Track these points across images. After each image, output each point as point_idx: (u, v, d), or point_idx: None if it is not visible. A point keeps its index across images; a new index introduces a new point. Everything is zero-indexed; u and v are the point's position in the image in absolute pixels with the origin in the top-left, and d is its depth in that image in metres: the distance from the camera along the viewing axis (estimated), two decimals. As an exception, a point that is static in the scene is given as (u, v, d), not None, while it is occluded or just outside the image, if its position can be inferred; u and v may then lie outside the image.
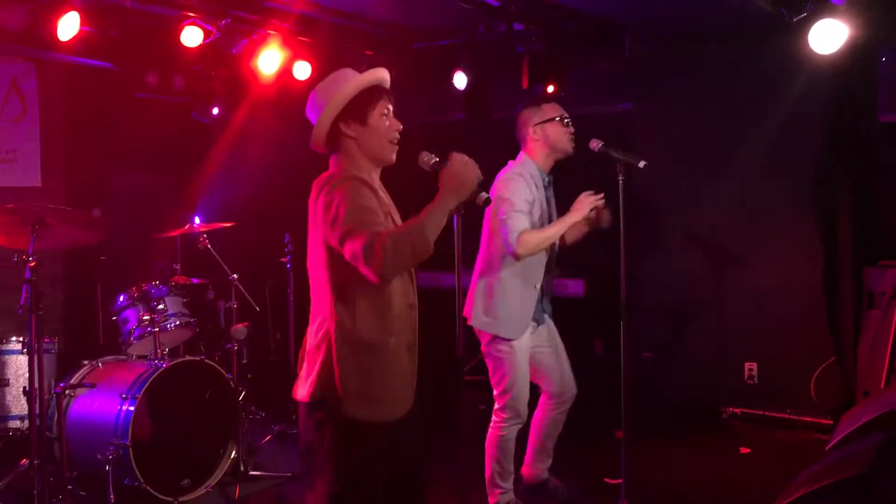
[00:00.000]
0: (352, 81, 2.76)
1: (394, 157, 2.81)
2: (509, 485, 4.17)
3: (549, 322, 4.26)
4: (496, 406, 4.12)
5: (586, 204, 3.94)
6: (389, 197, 2.91)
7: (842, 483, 1.70)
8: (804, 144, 5.82)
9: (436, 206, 2.59)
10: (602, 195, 3.96)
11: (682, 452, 5.48)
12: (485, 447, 4.15)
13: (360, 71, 2.89)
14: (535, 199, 4.01)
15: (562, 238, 4.17)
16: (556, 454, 4.44)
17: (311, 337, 2.76)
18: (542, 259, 4.08)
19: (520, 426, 4.13)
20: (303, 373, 2.78)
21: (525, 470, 4.39)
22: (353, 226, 2.52)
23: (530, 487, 4.39)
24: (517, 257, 3.92)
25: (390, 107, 2.80)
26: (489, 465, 4.14)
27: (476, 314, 4.09)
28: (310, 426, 2.69)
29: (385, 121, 2.77)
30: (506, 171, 4.10)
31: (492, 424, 4.13)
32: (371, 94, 2.77)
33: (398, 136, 2.80)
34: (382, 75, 2.84)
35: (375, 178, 2.82)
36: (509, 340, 4.03)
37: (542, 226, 4.04)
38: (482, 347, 4.13)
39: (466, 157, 2.66)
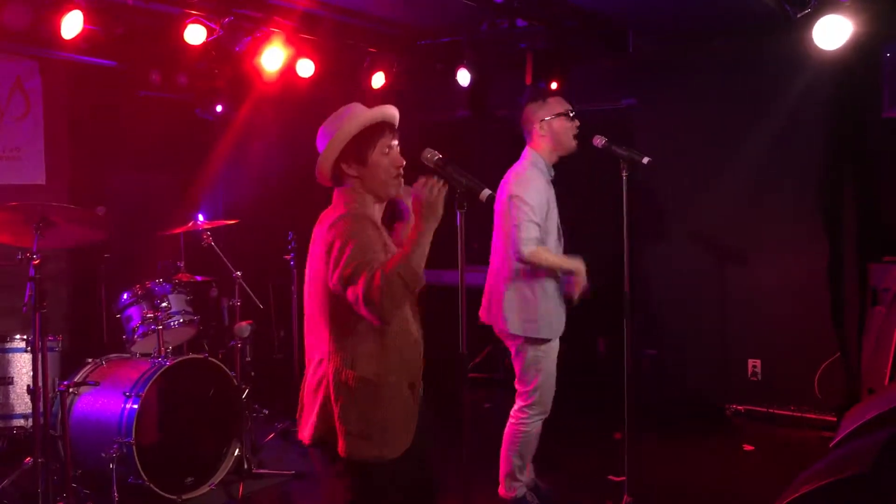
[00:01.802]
0: (353, 120, 2.73)
1: (398, 190, 2.80)
2: (525, 479, 4.19)
3: None
4: (521, 403, 4.12)
5: (583, 269, 3.93)
6: (387, 232, 2.89)
7: (846, 480, 1.69)
8: (808, 140, 5.81)
9: (415, 237, 2.57)
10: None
11: (685, 449, 5.47)
12: (503, 442, 4.15)
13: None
14: (548, 197, 4.01)
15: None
16: (559, 453, 4.43)
17: (310, 377, 2.74)
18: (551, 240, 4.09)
19: (544, 418, 4.13)
20: (303, 414, 2.77)
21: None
22: (354, 269, 2.51)
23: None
24: (523, 262, 3.93)
25: (393, 143, 2.77)
26: (509, 460, 4.15)
27: (511, 321, 4.05)
28: (331, 474, 2.72)
29: (386, 159, 2.75)
30: (519, 167, 4.09)
31: (514, 420, 4.13)
32: (372, 133, 2.74)
33: (401, 171, 2.78)
34: (385, 112, 2.80)
35: (378, 213, 2.82)
36: (546, 342, 4.03)
37: (555, 224, 4.07)
38: (512, 348, 4.12)
39: (432, 181, 2.62)
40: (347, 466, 2.65)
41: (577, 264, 3.95)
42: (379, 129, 2.75)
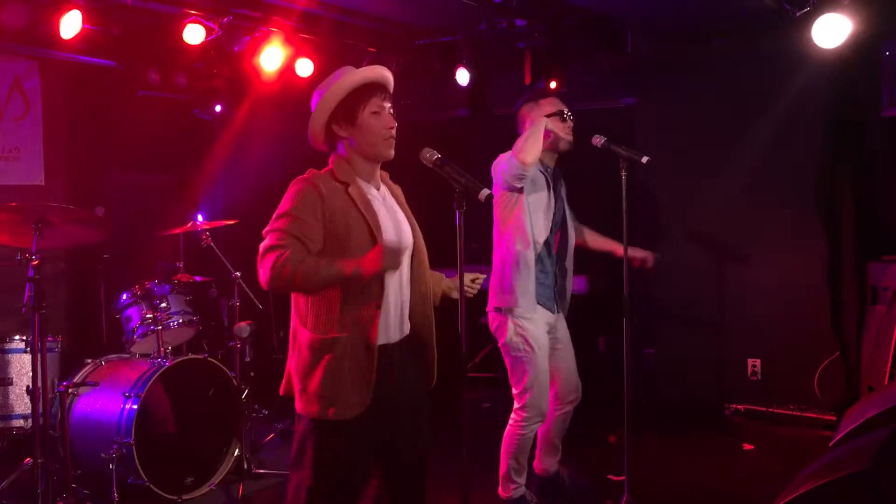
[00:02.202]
0: (342, 81, 2.76)
1: (391, 152, 2.80)
2: (523, 479, 4.19)
3: (564, 324, 4.27)
4: (516, 405, 4.11)
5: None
6: (395, 197, 2.90)
7: (846, 479, 1.69)
8: (807, 139, 5.81)
9: (341, 269, 2.58)
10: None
11: (685, 449, 5.47)
12: (502, 443, 4.15)
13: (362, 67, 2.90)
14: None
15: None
16: (561, 451, 4.44)
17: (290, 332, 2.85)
18: (548, 244, 4.10)
19: (540, 423, 4.12)
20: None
21: (535, 464, 4.41)
22: (273, 227, 2.64)
23: (542, 481, 4.40)
24: (525, 166, 3.84)
25: (385, 104, 2.79)
26: (505, 461, 4.15)
27: (491, 298, 4.11)
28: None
29: (376, 119, 2.76)
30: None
31: (511, 422, 4.12)
32: (362, 93, 2.76)
33: (392, 132, 2.79)
34: (374, 73, 2.82)
35: (374, 178, 2.83)
36: (530, 331, 4.01)
37: (546, 216, 4.07)
38: (500, 345, 4.12)
39: (399, 249, 2.61)
40: (303, 422, 2.74)
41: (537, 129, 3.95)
42: (370, 89, 2.77)
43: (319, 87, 2.82)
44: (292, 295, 2.78)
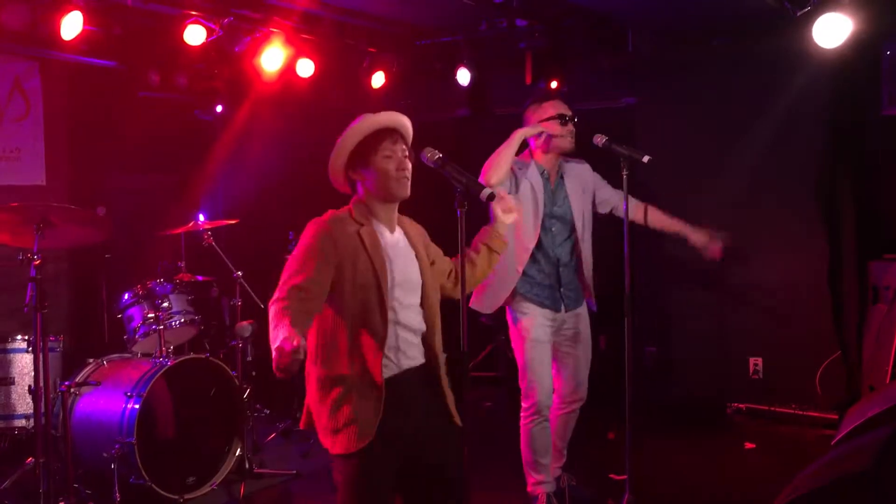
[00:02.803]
0: (355, 129, 2.87)
1: (405, 192, 2.90)
2: (543, 476, 4.20)
3: (582, 325, 4.28)
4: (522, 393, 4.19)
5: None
6: (410, 239, 2.97)
7: (847, 478, 1.69)
8: (808, 139, 5.81)
9: (273, 338, 2.58)
10: None
11: (686, 447, 5.48)
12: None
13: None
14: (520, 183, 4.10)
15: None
16: (565, 457, 4.43)
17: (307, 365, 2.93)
18: (529, 245, 4.13)
19: (542, 421, 4.13)
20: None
21: None
22: (283, 277, 2.77)
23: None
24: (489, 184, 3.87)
25: (396, 147, 2.88)
26: (522, 453, 4.21)
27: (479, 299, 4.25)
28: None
29: (390, 163, 2.86)
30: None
31: (521, 413, 4.19)
32: (374, 139, 2.87)
33: (405, 173, 2.88)
34: (386, 119, 2.90)
35: (390, 219, 2.93)
36: (523, 323, 4.11)
37: (535, 221, 4.10)
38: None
39: (283, 358, 2.49)
40: (331, 456, 2.82)
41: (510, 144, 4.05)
42: (382, 134, 2.88)
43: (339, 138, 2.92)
44: (311, 332, 2.85)
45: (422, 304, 2.94)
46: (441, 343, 3.00)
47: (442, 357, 2.99)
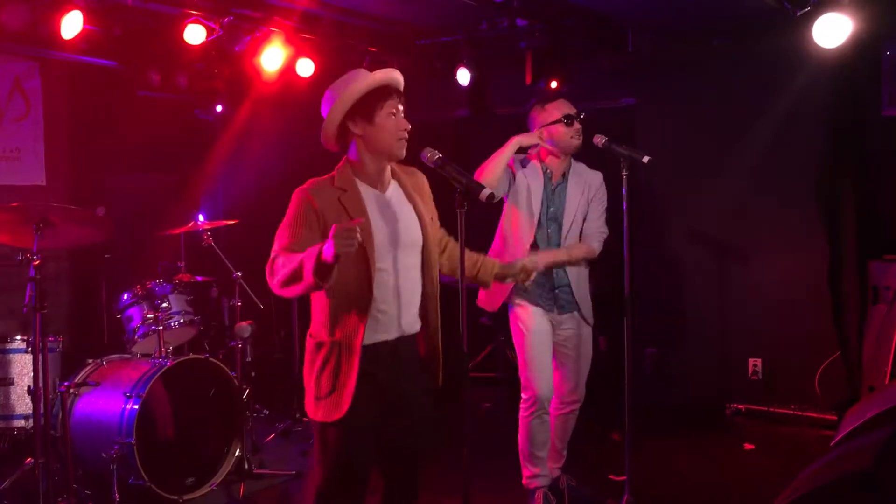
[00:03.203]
0: (361, 81, 2.83)
1: (402, 152, 2.88)
2: (539, 469, 4.20)
3: (583, 326, 4.26)
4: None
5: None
6: (406, 192, 2.94)
7: (847, 479, 1.69)
8: (808, 139, 5.81)
9: (304, 255, 2.61)
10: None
11: (685, 448, 5.47)
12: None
13: (367, 69, 2.94)
14: (518, 180, 4.12)
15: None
16: (564, 458, 4.42)
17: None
18: (526, 243, 4.12)
19: (541, 415, 4.12)
20: None
21: None
22: (274, 244, 2.79)
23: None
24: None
25: (400, 107, 2.87)
26: (519, 445, 4.21)
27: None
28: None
29: (392, 119, 2.83)
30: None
31: (520, 405, 4.20)
32: (380, 94, 2.83)
33: (406, 133, 2.86)
34: (393, 76, 2.89)
35: (383, 176, 2.89)
36: (522, 316, 4.12)
37: (537, 223, 4.10)
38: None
39: (349, 228, 2.52)
40: (312, 424, 2.87)
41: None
42: (387, 91, 2.85)
43: (332, 88, 2.88)
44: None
45: (422, 265, 2.90)
46: (438, 307, 2.96)
47: (438, 322, 2.95)
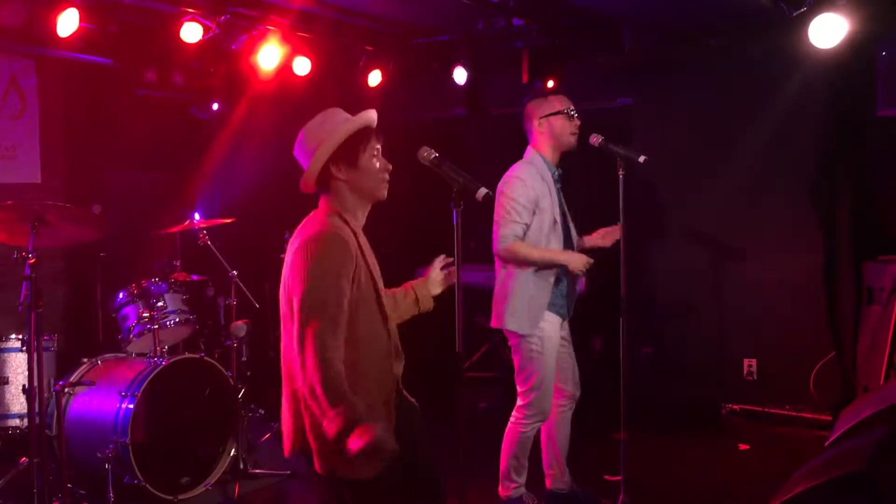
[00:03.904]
0: (342, 126, 2.74)
1: (384, 193, 2.79)
2: (522, 479, 4.19)
3: (567, 323, 4.26)
4: (519, 402, 4.12)
5: (580, 263, 3.94)
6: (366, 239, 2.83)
7: (841, 479, 1.69)
8: (803, 139, 5.82)
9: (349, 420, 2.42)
10: (592, 262, 3.95)
11: (681, 449, 5.48)
12: (502, 441, 4.16)
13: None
14: (538, 195, 4.01)
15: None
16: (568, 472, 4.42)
17: (285, 385, 2.70)
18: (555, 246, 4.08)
19: (541, 422, 4.13)
20: (283, 424, 2.75)
21: (546, 481, 4.38)
22: (309, 309, 2.49)
23: (553, 495, 4.37)
24: (500, 258, 4.01)
25: (379, 147, 2.78)
26: (505, 460, 4.16)
27: (498, 312, 4.11)
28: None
29: (376, 162, 2.76)
30: (513, 168, 4.11)
31: (513, 420, 4.13)
32: (361, 137, 2.74)
33: (387, 175, 2.79)
34: (371, 117, 2.80)
35: (361, 217, 2.79)
36: (540, 338, 4.02)
37: (551, 219, 4.05)
38: (510, 343, 4.15)
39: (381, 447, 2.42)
40: (327, 481, 2.64)
41: (565, 256, 3.98)
42: (367, 133, 2.76)
43: (308, 132, 2.78)
44: (297, 347, 2.53)
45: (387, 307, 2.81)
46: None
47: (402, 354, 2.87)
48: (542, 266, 4.00)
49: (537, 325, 4.02)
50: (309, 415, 2.58)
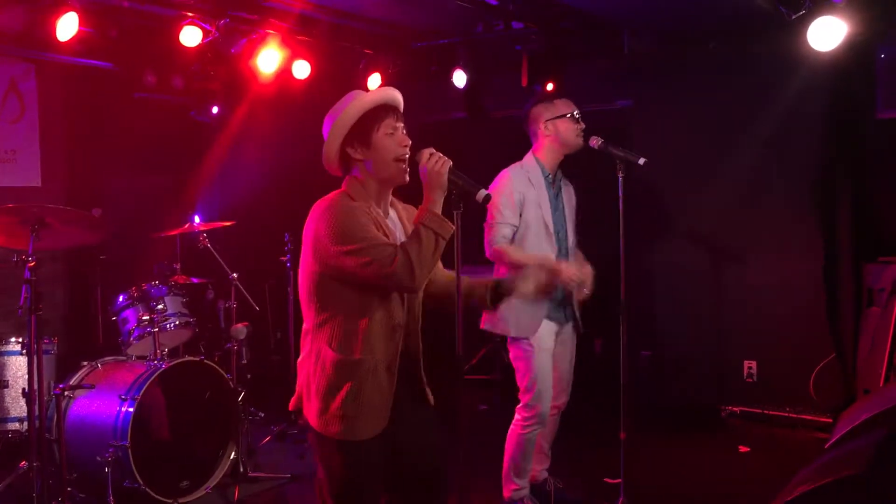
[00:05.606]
0: (354, 104, 2.75)
1: (406, 177, 2.78)
2: (523, 482, 4.19)
3: (569, 326, 4.26)
4: (520, 404, 4.14)
5: (567, 275, 3.88)
6: (402, 221, 2.90)
7: (842, 481, 1.69)
8: (803, 141, 5.82)
9: (427, 207, 2.65)
10: (582, 278, 3.93)
11: (681, 451, 5.48)
12: (504, 443, 4.17)
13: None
14: (524, 196, 4.04)
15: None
16: (556, 453, 4.44)
17: (302, 347, 2.83)
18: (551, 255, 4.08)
19: (541, 428, 4.13)
20: (299, 383, 2.87)
21: (532, 474, 4.39)
22: (364, 245, 2.59)
23: (530, 488, 4.38)
24: (490, 259, 4.06)
25: (398, 125, 2.78)
26: (506, 461, 4.17)
27: (489, 316, 4.11)
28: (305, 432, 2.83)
29: (391, 140, 2.75)
30: (501, 172, 4.14)
31: (514, 421, 4.15)
32: (375, 115, 2.75)
33: (407, 150, 2.77)
34: (387, 94, 2.82)
35: (384, 202, 2.83)
36: (528, 339, 4.04)
37: (543, 225, 4.06)
38: (508, 344, 4.18)
39: (435, 154, 2.68)
40: (319, 440, 2.73)
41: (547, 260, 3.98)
42: (382, 110, 2.76)
43: (331, 112, 2.81)
44: (312, 313, 2.74)
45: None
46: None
47: (420, 337, 2.91)
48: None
49: (527, 328, 4.04)
50: (316, 380, 2.71)
